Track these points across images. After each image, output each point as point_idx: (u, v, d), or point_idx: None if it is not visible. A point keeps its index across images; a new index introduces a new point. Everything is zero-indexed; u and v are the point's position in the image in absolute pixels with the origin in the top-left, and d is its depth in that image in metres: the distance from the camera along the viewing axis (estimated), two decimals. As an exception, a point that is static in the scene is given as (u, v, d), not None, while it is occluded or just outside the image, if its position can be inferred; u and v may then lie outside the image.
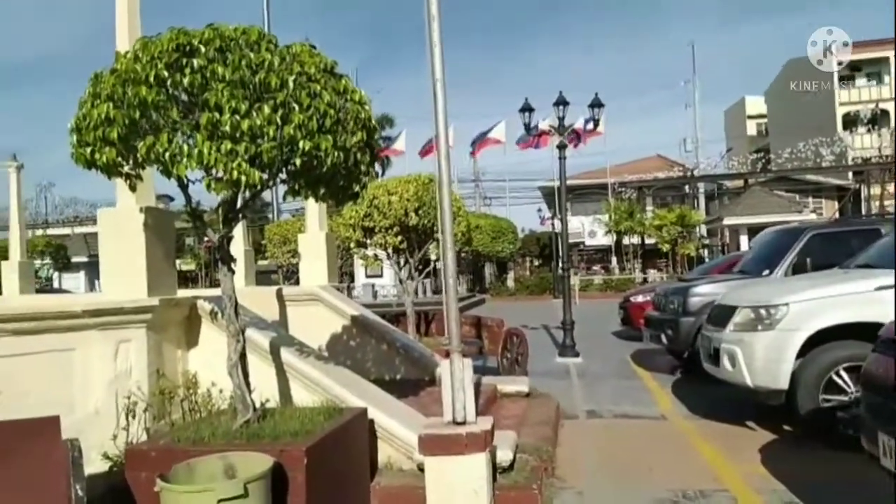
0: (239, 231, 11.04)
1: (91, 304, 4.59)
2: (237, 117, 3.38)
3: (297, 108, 3.54)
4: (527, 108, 11.93)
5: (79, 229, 37.16)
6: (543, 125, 13.31)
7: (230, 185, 3.46)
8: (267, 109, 3.47)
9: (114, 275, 4.85)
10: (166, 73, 3.41)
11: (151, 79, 3.37)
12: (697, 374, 8.20)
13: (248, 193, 4.05)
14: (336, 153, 3.73)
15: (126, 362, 4.70)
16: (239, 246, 11.01)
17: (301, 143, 3.52)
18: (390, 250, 8.85)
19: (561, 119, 12.00)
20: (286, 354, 5.01)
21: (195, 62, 3.46)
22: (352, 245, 9.02)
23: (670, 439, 6.35)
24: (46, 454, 3.43)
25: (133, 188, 4.17)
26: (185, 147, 3.37)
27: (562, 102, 11.99)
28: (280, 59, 3.65)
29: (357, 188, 4.24)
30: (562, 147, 12.10)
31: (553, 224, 35.71)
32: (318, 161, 3.69)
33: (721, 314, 6.73)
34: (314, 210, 8.42)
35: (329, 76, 3.89)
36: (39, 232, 36.47)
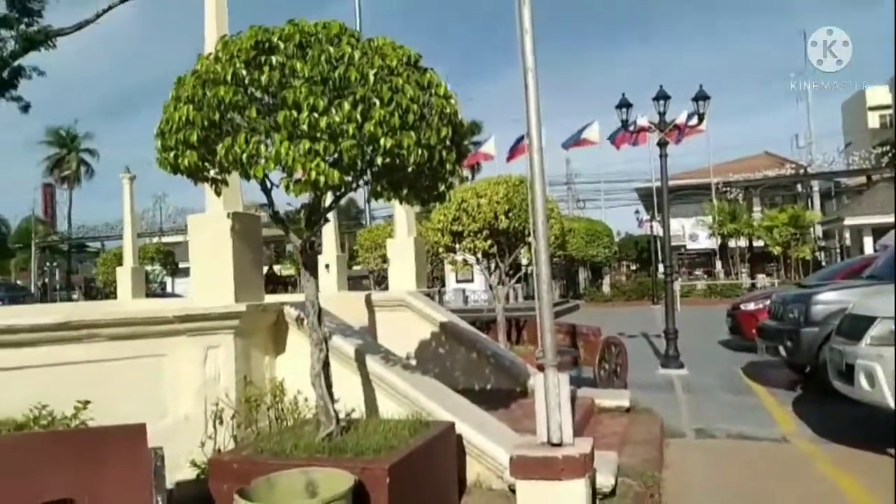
0: (331, 236, 11.17)
1: (180, 309, 4.61)
2: (315, 115, 3.20)
3: (377, 103, 3.32)
4: (624, 105, 11.30)
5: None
6: (642, 121, 12.59)
7: (309, 187, 3.28)
8: (347, 106, 3.28)
9: (203, 280, 4.86)
10: (245, 72, 3.29)
11: (229, 78, 3.26)
12: (822, 390, 7.34)
13: (329, 196, 3.89)
14: (419, 151, 3.49)
15: (214, 368, 4.68)
16: (331, 251, 11.14)
17: (382, 141, 3.30)
18: (479, 255, 8.56)
19: (661, 114, 11.27)
20: (372, 363, 4.83)
21: (274, 59, 3.33)
22: (440, 250, 8.81)
23: (796, 465, 5.64)
24: (131, 462, 3.38)
25: (218, 193, 4.12)
26: (263, 148, 3.23)
27: (662, 97, 11.26)
28: (361, 53, 3.46)
29: (442, 188, 3.98)
30: (662, 144, 11.36)
31: (651, 227, 34.19)
32: (401, 160, 3.46)
33: (854, 325, 5.93)
34: (402, 215, 8.28)
35: (412, 70, 3.66)
36: (155, 240, 39.14)
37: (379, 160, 3.39)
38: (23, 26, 20.93)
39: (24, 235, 46.95)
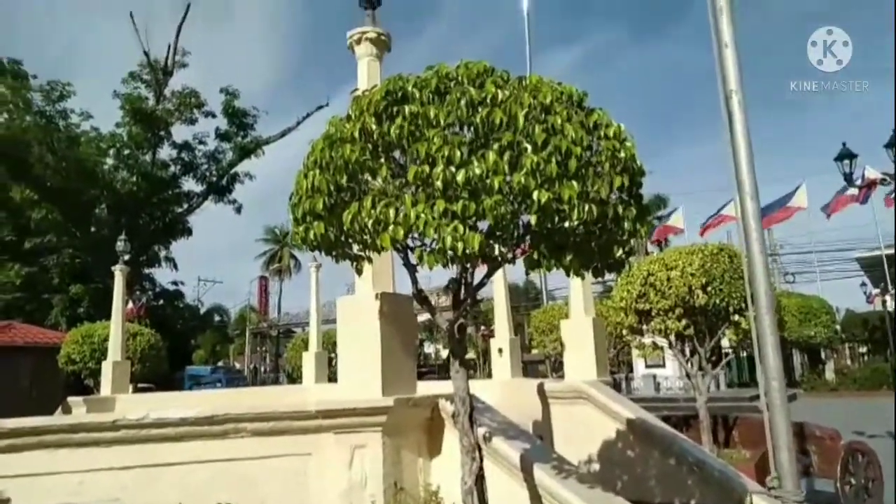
0: (504, 317, 10.50)
1: (324, 402, 4.15)
2: (452, 169, 2.61)
3: (529, 148, 2.65)
4: (846, 156, 9.45)
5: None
6: (872, 173, 10.50)
7: (443, 257, 2.64)
8: (491, 155, 2.64)
9: (349, 369, 4.39)
10: (374, 126, 2.82)
11: (356, 134, 2.81)
12: None
13: (473, 267, 3.23)
14: (586, 206, 2.72)
15: (361, 471, 4.09)
16: (504, 334, 10.43)
17: (536, 194, 2.60)
18: (672, 337, 7.30)
19: (898, 163, 9.25)
20: (541, 473, 3.93)
21: (407, 109, 2.82)
22: (624, 332, 7.69)
23: None
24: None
25: (359, 271, 3.65)
26: (392, 212, 2.67)
27: (896, 142, 9.27)
28: (509, 92, 2.85)
29: (619, 253, 3.12)
30: (901, 199, 9.28)
31: (884, 302, 28.98)
32: (562, 217, 2.71)
33: None
34: (578, 291, 7.38)
35: (575, 109, 2.96)
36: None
37: (533, 219, 2.67)
38: (238, 138, 24.26)
39: (241, 323, 52.71)
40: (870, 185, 11.36)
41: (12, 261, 21.23)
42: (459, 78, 2.93)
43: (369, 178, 2.93)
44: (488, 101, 2.76)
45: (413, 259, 2.96)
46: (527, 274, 3.97)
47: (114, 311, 12.38)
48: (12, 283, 20.94)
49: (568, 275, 3.48)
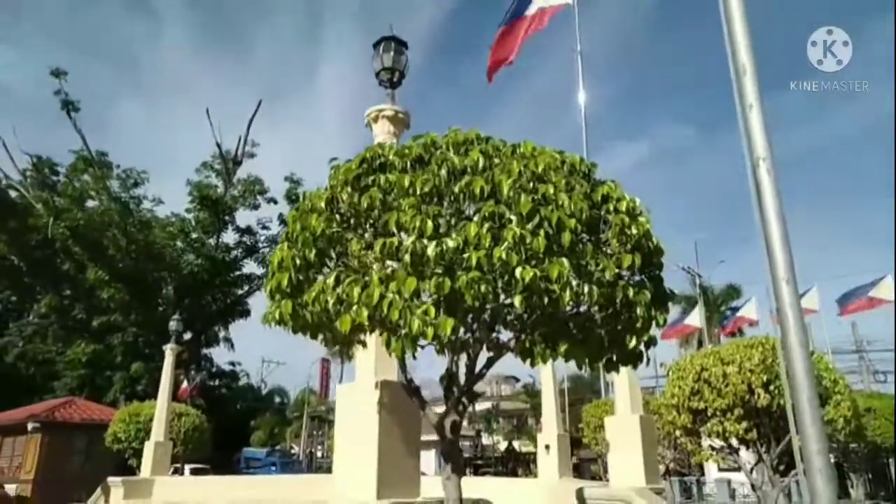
0: (552, 410, 9.77)
1: (309, 505, 3.71)
2: (423, 241, 2.29)
3: (513, 220, 2.31)
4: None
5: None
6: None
7: (411, 343, 2.28)
8: (472, 228, 2.32)
9: (345, 465, 3.96)
10: (345, 196, 2.57)
11: (323, 204, 2.55)
12: None
13: (475, 355, 2.83)
14: (585, 287, 2.33)
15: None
16: (552, 429, 9.67)
17: (518, 272, 2.23)
18: (734, 440, 6.48)
19: None
20: None
21: (383, 178, 2.56)
22: (678, 433, 6.91)
23: None
24: None
25: (349, 357, 3.33)
26: (357, 291, 2.36)
27: None
28: (498, 160, 2.55)
29: (633, 344, 2.66)
30: None
31: None
32: (552, 300, 2.31)
33: None
34: (624, 385, 6.74)
35: (577, 179, 2.62)
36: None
37: (517, 300, 2.29)
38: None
39: (301, 405, 52.48)
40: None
41: (81, 338, 22.07)
42: (445, 146, 2.67)
43: (338, 253, 2.64)
44: (470, 168, 2.47)
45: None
46: (532, 365, 3.49)
47: (161, 391, 12.34)
48: (78, 360, 21.65)
49: (580, 367, 3.02)
